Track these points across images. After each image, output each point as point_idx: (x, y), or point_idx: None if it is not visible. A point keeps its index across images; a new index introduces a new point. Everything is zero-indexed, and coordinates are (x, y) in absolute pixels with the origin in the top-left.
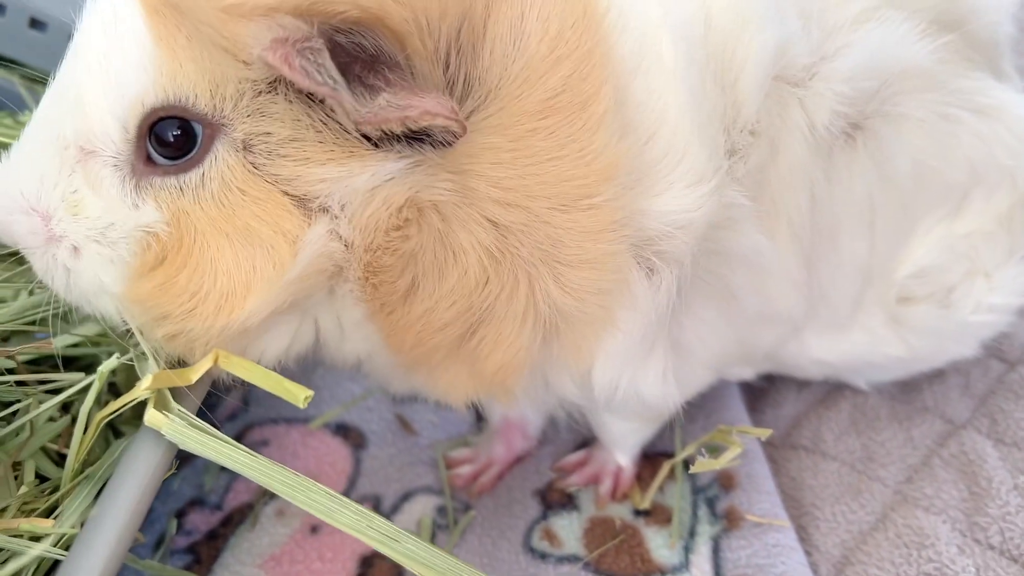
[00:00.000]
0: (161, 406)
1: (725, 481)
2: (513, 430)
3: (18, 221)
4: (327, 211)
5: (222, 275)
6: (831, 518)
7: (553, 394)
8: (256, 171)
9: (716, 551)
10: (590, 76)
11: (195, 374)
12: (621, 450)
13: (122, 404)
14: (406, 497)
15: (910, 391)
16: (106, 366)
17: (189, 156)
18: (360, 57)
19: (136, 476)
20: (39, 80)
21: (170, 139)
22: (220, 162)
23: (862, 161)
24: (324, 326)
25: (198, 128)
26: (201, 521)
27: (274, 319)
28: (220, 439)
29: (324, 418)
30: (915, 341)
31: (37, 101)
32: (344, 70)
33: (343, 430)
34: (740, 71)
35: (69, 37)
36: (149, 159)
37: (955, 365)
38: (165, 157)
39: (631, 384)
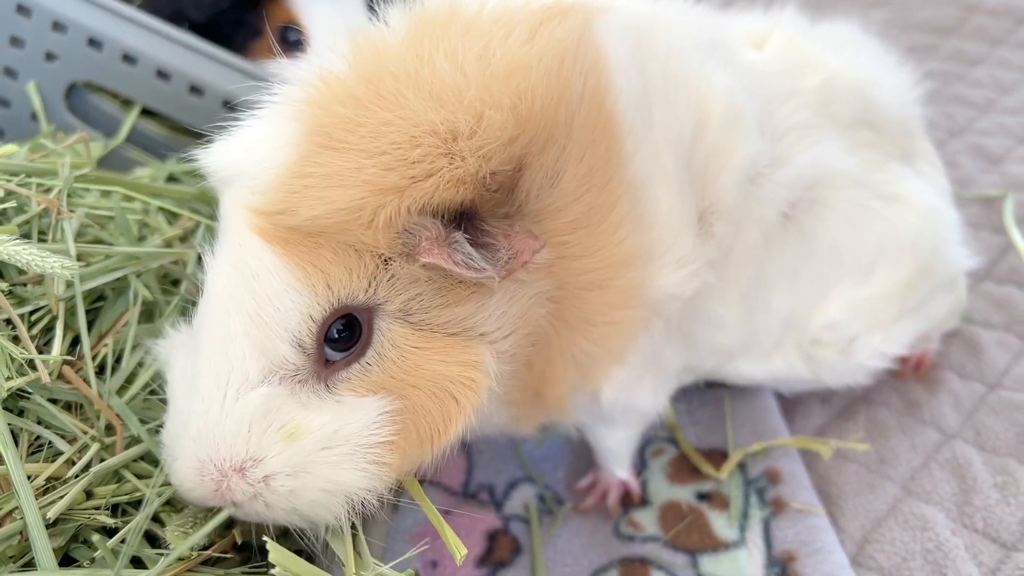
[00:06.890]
0: None
1: (772, 476)
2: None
3: (233, 480)
4: (484, 335)
5: (430, 416)
6: (853, 508)
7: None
8: (422, 327)
9: (766, 530)
10: (610, 196)
11: None
12: (619, 464)
13: None
14: (512, 486)
15: (912, 407)
16: None
17: (359, 342)
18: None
19: None
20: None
21: (338, 336)
22: (388, 333)
23: (792, 241)
24: None
25: (359, 316)
26: None
27: None
28: None
29: None
30: (821, 373)
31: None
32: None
33: None
34: (721, 170)
35: (223, 103)
36: (327, 361)
37: (947, 387)
38: (339, 351)
39: (629, 399)
